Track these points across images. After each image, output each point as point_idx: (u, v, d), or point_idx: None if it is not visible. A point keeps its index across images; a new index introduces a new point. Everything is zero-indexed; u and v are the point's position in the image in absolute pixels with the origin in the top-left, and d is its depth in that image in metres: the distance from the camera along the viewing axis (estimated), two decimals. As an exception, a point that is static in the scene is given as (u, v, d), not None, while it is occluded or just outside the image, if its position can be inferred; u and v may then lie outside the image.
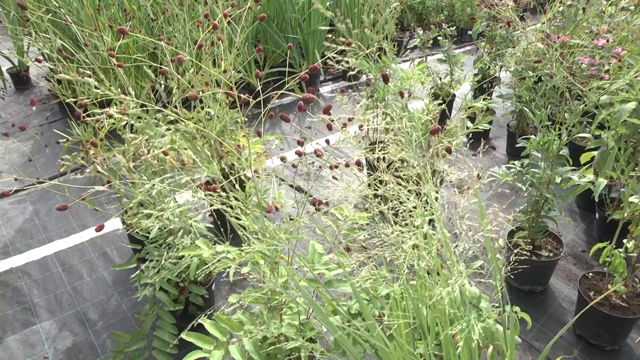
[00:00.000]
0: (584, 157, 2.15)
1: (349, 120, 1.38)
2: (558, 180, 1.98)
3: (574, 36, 2.70)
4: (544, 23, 3.08)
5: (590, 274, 2.07)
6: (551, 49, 2.08)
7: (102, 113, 1.38)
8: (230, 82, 1.79)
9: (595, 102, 1.89)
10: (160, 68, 1.40)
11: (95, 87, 2.32)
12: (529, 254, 2.16)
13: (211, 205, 1.17)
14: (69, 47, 2.33)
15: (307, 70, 1.30)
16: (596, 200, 2.19)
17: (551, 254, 2.19)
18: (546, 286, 2.28)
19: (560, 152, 2.01)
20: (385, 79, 0.94)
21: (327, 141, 1.42)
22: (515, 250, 2.08)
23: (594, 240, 2.61)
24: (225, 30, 1.94)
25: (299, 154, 1.19)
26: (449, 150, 1.05)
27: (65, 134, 2.54)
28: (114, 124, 2.11)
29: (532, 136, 2.11)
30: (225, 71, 1.75)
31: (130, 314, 2.18)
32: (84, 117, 1.46)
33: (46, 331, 2.09)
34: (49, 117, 4.10)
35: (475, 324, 0.91)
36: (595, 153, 2.16)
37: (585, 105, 1.91)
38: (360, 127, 1.48)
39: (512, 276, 2.22)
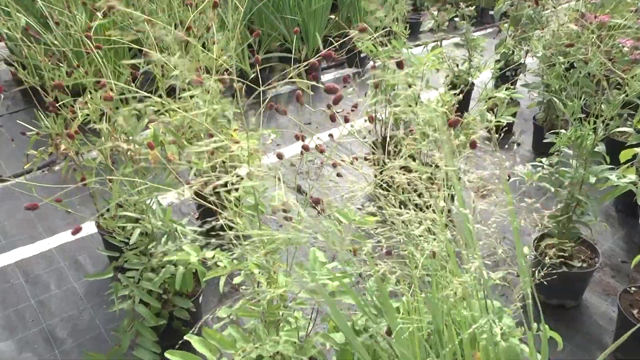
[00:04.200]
0: (625, 155, 2.16)
1: (352, 110, 1.39)
2: (593, 180, 2.00)
3: (614, 15, 2.71)
4: (578, 0, 3.09)
5: (633, 288, 2.08)
6: (587, 31, 2.09)
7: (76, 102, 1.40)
8: (223, 67, 1.81)
9: (638, 91, 1.91)
10: (141, 51, 1.42)
11: (67, 74, 2.32)
12: (558, 263, 2.17)
13: (199, 207, 1.19)
14: (35, 26, 2.34)
15: (307, 57, 1.31)
16: (639, 203, 2.21)
17: (585, 264, 2.21)
18: (579, 301, 2.29)
19: (596, 149, 2.02)
20: (400, 66, 0.96)
21: (331, 135, 1.43)
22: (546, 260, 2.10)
23: (637, 249, 2.62)
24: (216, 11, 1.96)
25: (306, 148, 1.20)
26: (473, 145, 1.07)
27: (31, 126, 2.55)
28: (88, 115, 2.13)
29: (563, 130, 2.13)
30: (219, 57, 1.77)
31: (105, 330, 2.19)
32: (56, 107, 1.49)
33: (2, 353, 2.10)
34: (9, 106, 4.10)
35: (495, 324, 0.93)
36: (637, 150, 2.17)
37: (627, 95, 1.92)
38: (371, 119, 1.49)
39: (541, 289, 2.24)
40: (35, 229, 2.79)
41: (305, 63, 1.41)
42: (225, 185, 1.19)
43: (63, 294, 2.39)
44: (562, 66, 2.64)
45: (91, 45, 1.66)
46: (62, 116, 2.17)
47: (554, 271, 2.15)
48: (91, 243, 2.66)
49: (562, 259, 2.20)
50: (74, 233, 1.39)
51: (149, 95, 1.20)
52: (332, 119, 1.35)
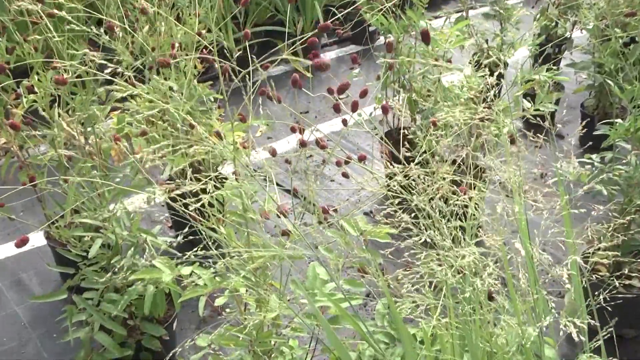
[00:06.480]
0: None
1: (361, 96, 1.41)
2: (656, 181, 2.00)
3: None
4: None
5: None
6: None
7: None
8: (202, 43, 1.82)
9: None
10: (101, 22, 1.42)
11: (7, 51, 2.33)
12: (613, 283, 2.18)
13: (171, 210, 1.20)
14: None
15: (304, 31, 1.33)
16: None
17: (647, 285, 2.21)
18: (641, 330, 2.29)
19: (659, 143, 2.03)
20: (426, 38, 0.98)
21: (345, 121, 1.44)
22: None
23: None
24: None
25: (304, 144, 1.22)
26: (513, 140, 1.08)
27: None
28: (35, 101, 2.13)
29: (619, 120, 2.13)
30: (200, 34, 1.78)
31: (56, 366, 2.20)
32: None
33: None
34: None
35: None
36: None
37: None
38: (385, 109, 1.51)
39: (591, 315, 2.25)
40: (-34, 241, 2.79)
41: (302, 39, 1.42)
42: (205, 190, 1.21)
43: (1, 321, 2.39)
44: (620, 41, 2.64)
45: (40, 13, 1.66)
46: (2, 101, 2.18)
47: (610, 294, 2.16)
48: (38, 257, 2.66)
49: (619, 278, 2.20)
50: (18, 245, 1.39)
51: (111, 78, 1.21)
52: (337, 109, 1.36)
